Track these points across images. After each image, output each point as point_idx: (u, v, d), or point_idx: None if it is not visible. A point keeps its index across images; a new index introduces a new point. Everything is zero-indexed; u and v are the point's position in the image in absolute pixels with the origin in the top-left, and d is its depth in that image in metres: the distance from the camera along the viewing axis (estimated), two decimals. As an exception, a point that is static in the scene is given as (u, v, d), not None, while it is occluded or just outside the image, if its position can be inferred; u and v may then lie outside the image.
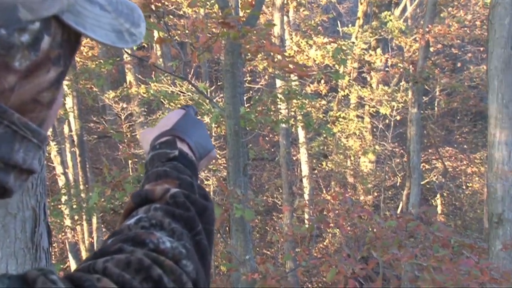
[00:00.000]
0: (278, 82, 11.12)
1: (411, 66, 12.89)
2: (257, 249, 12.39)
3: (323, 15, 14.28)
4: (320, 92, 12.54)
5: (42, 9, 0.66)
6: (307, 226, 10.38)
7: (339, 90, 13.67)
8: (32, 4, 0.65)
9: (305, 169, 12.89)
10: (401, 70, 13.31)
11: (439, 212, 16.08)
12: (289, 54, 10.83)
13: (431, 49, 14.17)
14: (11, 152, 0.70)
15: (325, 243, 12.33)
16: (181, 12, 11.43)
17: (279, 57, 6.92)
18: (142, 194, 0.99)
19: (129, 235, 0.86)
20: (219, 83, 12.23)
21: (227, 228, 9.17)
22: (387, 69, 13.73)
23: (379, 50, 12.69)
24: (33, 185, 2.64)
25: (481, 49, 16.77)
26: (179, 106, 10.99)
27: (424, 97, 14.49)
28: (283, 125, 10.74)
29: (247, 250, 7.05)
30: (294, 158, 13.80)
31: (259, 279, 6.95)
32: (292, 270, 8.88)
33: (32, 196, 2.69)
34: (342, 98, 14.10)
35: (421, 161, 13.77)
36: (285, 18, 12.57)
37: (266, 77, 12.99)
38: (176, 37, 8.04)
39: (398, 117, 14.86)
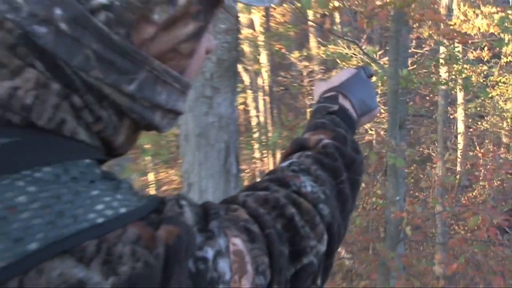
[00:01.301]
0: (442, 48, 10.84)
1: None
2: (411, 192, 12.25)
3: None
4: (482, 58, 11.97)
5: None
6: (456, 177, 10.27)
7: (502, 56, 12.94)
8: None
9: (460, 127, 12.46)
10: None
11: None
12: (455, 23, 10.50)
13: None
14: (154, 94, 0.69)
15: (474, 194, 12.00)
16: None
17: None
18: (299, 142, 0.97)
19: (278, 176, 0.86)
20: (387, 48, 12.16)
21: (385, 172, 9.23)
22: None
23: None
24: (226, 124, 2.97)
25: None
26: (351, 66, 11.20)
27: None
28: (443, 87, 10.52)
29: (397, 192, 7.11)
30: (451, 117, 13.35)
31: (407, 218, 7.02)
32: (438, 213, 8.79)
33: (225, 132, 2.99)
34: (505, 64, 13.33)
35: None
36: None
37: (431, 44, 12.64)
38: (349, 6, 8.11)
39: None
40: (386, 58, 9.73)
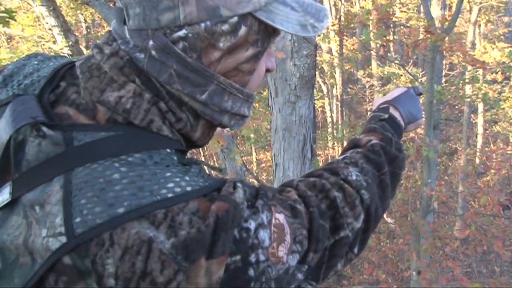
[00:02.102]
0: (467, 72, 10.35)
1: None
2: (441, 176, 11.75)
3: (505, 28, 12.87)
4: (497, 80, 11.32)
5: (238, 8, 0.62)
6: (474, 166, 9.75)
7: (511, 79, 12.23)
8: (231, 5, 0.61)
9: (480, 130, 11.91)
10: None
11: None
12: (476, 53, 10.08)
13: None
14: (221, 102, 0.66)
15: (487, 179, 11.30)
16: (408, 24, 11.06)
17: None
18: (354, 141, 0.90)
19: (332, 166, 0.79)
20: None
21: (422, 161, 8.82)
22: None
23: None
24: (305, 121, 2.93)
25: None
26: (401, 82, 10.93)
27: None
28: (467, 100, 10.00)
29: (429, 176, 6.83)
30: (473, 122, 12.73)
31: (435, 195, 6.74)
32: (459, 192, 8.39)
33: (304, 128, 2.97)
34: (513, 84, 12.61)
35: None
36: (477, 30, 11.71)
37: (460, 68, 12.06)
38: (398, 38, 7.78)
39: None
40: (425, 77, 9.37)
